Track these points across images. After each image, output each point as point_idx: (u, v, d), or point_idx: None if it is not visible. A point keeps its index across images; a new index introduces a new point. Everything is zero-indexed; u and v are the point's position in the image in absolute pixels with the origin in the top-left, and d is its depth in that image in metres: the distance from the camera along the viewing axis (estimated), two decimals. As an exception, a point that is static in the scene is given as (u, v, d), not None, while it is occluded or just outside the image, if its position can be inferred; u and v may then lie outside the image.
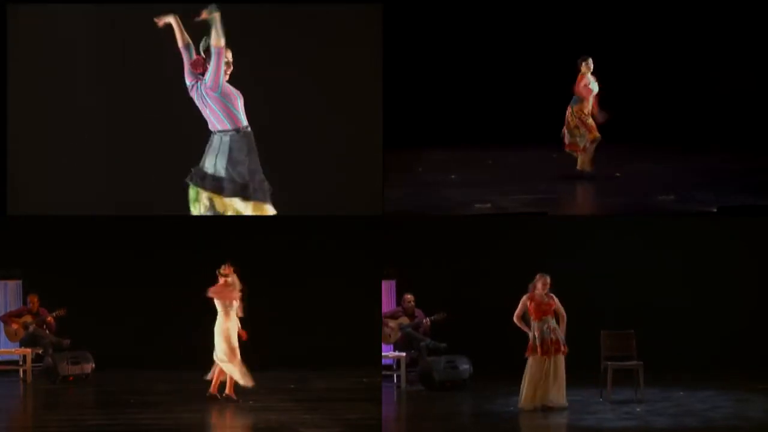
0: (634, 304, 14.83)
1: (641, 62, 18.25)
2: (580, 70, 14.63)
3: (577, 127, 14.64)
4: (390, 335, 14.36)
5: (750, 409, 12.05)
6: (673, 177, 14.94)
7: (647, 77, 18.32)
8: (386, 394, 13.51)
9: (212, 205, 10.99)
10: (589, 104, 14.61)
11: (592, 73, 14.63)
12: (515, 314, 12.15)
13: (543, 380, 11.98)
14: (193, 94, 11.00)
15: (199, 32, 10.93)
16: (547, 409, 11.93)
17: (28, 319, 15.02)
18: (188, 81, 11.02)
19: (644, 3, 18.36)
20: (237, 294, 12.43)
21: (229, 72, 10.92)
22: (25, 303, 15.31)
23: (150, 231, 15.25)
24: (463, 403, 13.01)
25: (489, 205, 13.40)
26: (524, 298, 12.16)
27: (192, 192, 11.03)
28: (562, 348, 12.03)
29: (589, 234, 15.14)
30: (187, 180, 11.04)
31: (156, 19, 10.96)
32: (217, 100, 10.91)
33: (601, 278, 15.01)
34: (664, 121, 18.09)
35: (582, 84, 14.58)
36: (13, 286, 15.70)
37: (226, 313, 12.42)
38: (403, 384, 13.98)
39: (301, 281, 15.80)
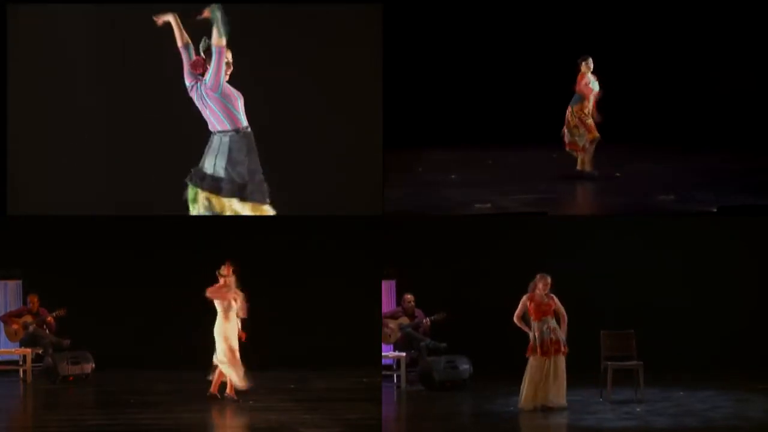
0: (634, 304, 14.83)
1: (641, 62, 18.26)
2: (580, 70, 14.64)
3: (576, 126, 14.65)
4: (390, 335, 14.36)
5: (750, 409, 12.05)
6: (673, 177, 14.95)
7: (647, 77, 18.33)
8: (386, 394, 13.51)
9: (210, 205, 10.99)
10: (590, 103, 14.62)
11: (592, 73, 14.64)
12: (515, 314, 12.15)
13: (543, 380, 11.98)
14: (193, 95, 11.00)
15: (198, 32, 10.93)
16: (547, 410, 11.93)
17: (28, 319, 15.02)
18: (188, 81, 11.02)
19: (644, 3, 18.36)
20: (233, 295, 12.42)
21: (229, 72, 10.92)
22: (25, 303, 15.31)
23: (150, 231, 15.25)
24: (463, 403, 13.01)
25: (489, 205, 13.40)
26: (524, 298, 12.16)
27: (191, 192, 11.03)
28: (563, 348, 12.02)
29: (589, 234, 15.13)
30: (187, 180, 11.04)
31: (155, 17, 10.97)
32: (217, 101, 10.90)
33: (601, 278, 15.00)
34: (664, 121, 18.10)
35: (583, 83, 14.58)
36: (13, 286, 15.70)
37: (226, 315, 12.42)
38: (403, 384, 13.98)
39: (301, 281, 15.80)
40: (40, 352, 14.79)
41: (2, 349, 15.13)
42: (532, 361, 12.04)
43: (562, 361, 12.03)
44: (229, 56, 10.84)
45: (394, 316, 14.45)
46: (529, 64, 18.25)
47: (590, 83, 14.59)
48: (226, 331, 12.40)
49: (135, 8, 12.50)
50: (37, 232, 15.12)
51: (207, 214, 11.00)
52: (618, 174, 14.99)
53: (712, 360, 14.81)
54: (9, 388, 14.42)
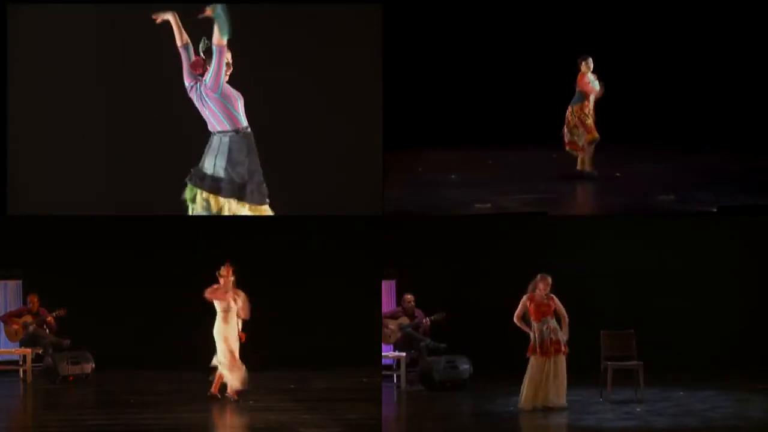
0: (634, 304, 14.82)
1: (641, 62, 18.25)
2: (580, 70, 14.64)
3: (576, 126, 14.65)
4: (390, 335, 14.36)
5: (750, 409, 12.05)
6: (673, 177, 14.94)
7: (647, 77, 18.32)
8: (386, 394, 13.51)
9: (209, 206, 10.99)
10: (590, 103, 14.61)
11: (592, 73, 14.64)
12: (515, 314, 12.15)
13: (543, 381, 11.98)
14: (192, 95, 11.00)
15: (198, 32, 10.93)
16: (547, 410, 11.92)
17: (28, 319, 15.02)
18: (187, 82, 11.01)
19: (644, 3, 18.36)
20: (232, 295, 12.41)
21: (228, 73, 10.91)
22: (25, 303, 15.31)
23: (150, 231, 15.25)
24: (463, 403, 13.01)
25: (489, 205, 13.40)
26: (524, 298, 12.15)
27: (190, 192, 11.02)
28: (563, 348, 12.01)
29: (589, 234, 15.13)
30: (187, 180, 11.04)
31: (154, 15, 10.96)
32: (217, 101, 10.90)
33: (601, 278, 15.00)
34: (664, 121, 18.10)
35: (584, 81, 14.57)
36: (13, 286, 15.69)
37: (225, 316, 12.42)
38: (403, 384, 13.98)
39: (301, 281, 15.80)
40: (40, 352, 14.78)
41: (2, 349, 15.13)
42: (533, 361, 12.04)
43: (562, 361, 12.02)
44: (228, 57, 10.84)
45: (394, 316, 14.45)
46: (529, 64, 18.25)
47: (591, 83, 14.59)
48: (226, 332, 12.40)
49: (135, 8, 12.50)
50: (37, 232, 15.12)
51: (205, 214, 11.00)
52: (618, 174, 14.99)
53: (712, 360, 14.81)
54: (9, 388, 14.42)
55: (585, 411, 12.00)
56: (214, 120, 10.97)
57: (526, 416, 11.83)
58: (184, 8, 10.93)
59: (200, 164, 11.01)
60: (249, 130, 11.02)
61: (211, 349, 12.51)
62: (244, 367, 12.46)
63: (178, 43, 10.97)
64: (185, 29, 10.97)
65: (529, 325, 12.11)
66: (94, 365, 14.48)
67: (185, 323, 13.88)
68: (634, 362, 12.70)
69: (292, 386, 13.83)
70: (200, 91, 10.91)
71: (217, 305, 12.43)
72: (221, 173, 10.92)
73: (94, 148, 13.25)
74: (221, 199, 10.94)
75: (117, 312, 15.59)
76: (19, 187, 13.25)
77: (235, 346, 12.43)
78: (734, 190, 13.92)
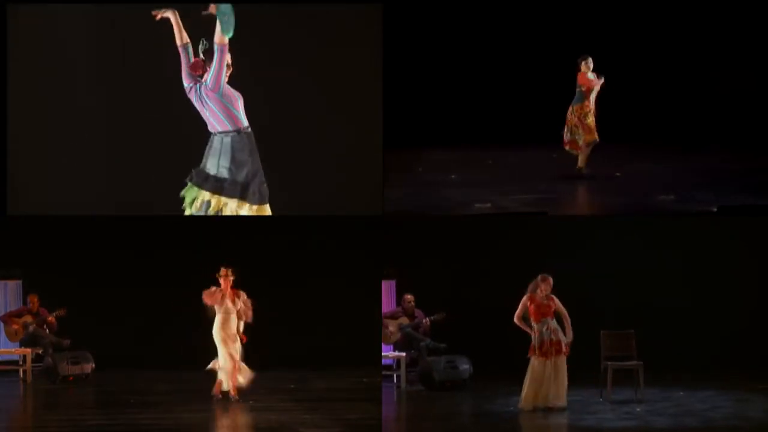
0: (634, 304, 14.82)
1: (641, 62, 18.25)
2: (579, 70, 14.64)
3: (576, 126, 14.65)
4: (390, 336, 14.36)
5: (750, 409, 12.05)
6: (673, 177, 14.94)
7: (647, 77, 18.32)
8: (386, 394, 13.51)
9: (210, 206, 10.98)
10: (591, 103, 14.61)
11: (592, 72, 14.63)
12: (516, 315, 12.14)
13: (544, 381, 11.97)
14: (192, 96, 10.99)
15: (198, 32, 10.93)
16: (547, 410, 11.92)
17: (28, 319, 15.02)
18: (186, 83, 11.00)
19: (644, 3, 18.36)
20: (231, 298, 12.41)
21: (228, 74, 10.91)
22: (25, 303, 15.31)
23: (150, 231, 15.25)
24: (463, 403, 13.01)
25: (489, 205, 13.40)
26: (524, 298, 12.15)
27: (191, 192, 11.01)
28: (563, 349, 12.01)
29: (589, 234, 15.13)
30: (187, 180, 11.03)
31: (154, 12, 10.95)
32: (218, 101, 10.89)
33: (601, 278, 15.00)
34: (664, 121, 18.10)
35: (585, 78, 14.55)
36: (13, 286, 15.70)
37: (224, 318, 12.41)
38: (403, 384, 13.98)
39: (301, 281, 15.80)
40: (40, 352, 14.78)
41: (2, 349, 15.13)
42: (533, 362, 12.04)
43: (562, 361, 12.01)
44: (228, 58, 10.83)
45: (394, 316, 14.45)
46: (529, 64, 18.25)
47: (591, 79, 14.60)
48: (225, 335, 12.39)
49: (135, 8, 12.49)
50: (37, 232, 15.12)
51: (202, 213, 11.00)
52: (618, 174, 15.00)
53: (712, 360, 14.81)
54: (9, 388, 14.41)
55: (585, 411, 11.99)
56: (215, 120, 10.97)
57: (526, 416, 11.83)
58: (184, 8, 10.93)
59: (202, 165, 11.01)
60: (249, 130, 11.03)
61: (211, 349, 12.51)
62: (246, 368, 12.46)
63: (178, 42, 10.97)
64: (185, 29, 10.97)
65: (529, 325, 12.10)
66: (94, 365, 14.48)
67: (185, 323, 13.87)
68: (634, 362, 12.70)
69: (292, 386, 13.83)
70: (200, 92, 10.91)
71: (216, 307, 12.43)
72: (225, 173, 10.92)
73: (94, 148, 13.25)
74: (223, 199, 10.94)
75: (117, 312, 15.59)
76: (19, 187, 13.25)
77: (236, 348, 12.42)
78: (734, 190, 13.92)
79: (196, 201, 11.00)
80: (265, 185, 11.06)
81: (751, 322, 15.16)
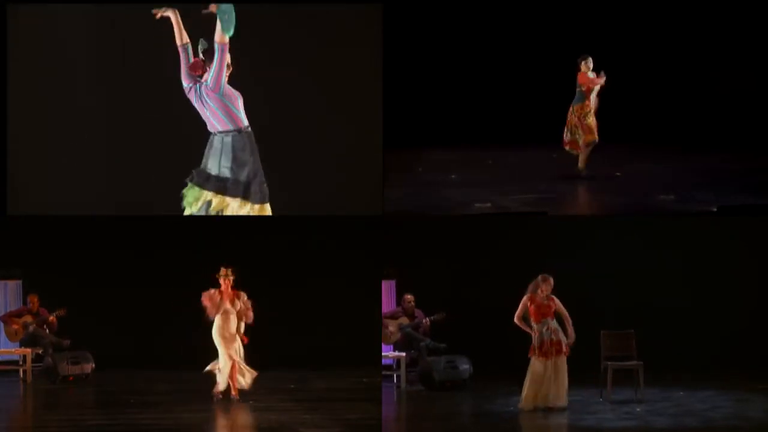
0: (634, 304, 14.82)
1: (641, 62, 18.25)
2: (579, 69, 14.64)
3: (576, 126, 14.65)
4: (390, 336, 14.35)
5: (750, 409, 12.04)
6: (673, 177, 14.95)
7: (647, 77, 18.33)
8: (386, 394, 13.51)
9: (210, 206, 10.98)
10: (591, 102, 14.61)
11: (592, 72, 14.63)
12: (516, 315, 12.13)
13: (544, 381, 11.97)
14: (192, 96, 10.98)
15: (198, 32, 10.93)
16: (547, 410, 11.92)
17: (28, 319, 15.02)
18: (185, 83, 11.00)
19: (644, 3, 18.36)
20: (230, 299, 12.41)
21: (228, 74, 10.90)
22: (25, 303, 15.31)
23: (150, 231, 15.25)
24: (463, 403, 13.01)
25: (489, 205, 13.41)
26: (525, 299, 12.14)
27: (193, 192, 11.00)
28: (564, 349, 12.00)
29: (589, 234, 15.13)
30: (188, 180, 11.03)
31: (155, 11, 10.95)
32: (218, 101, 10.89)
33: (601, 278, 15.00)
34: (664, 121, 18.10)
35: (585, 77, 14.55)
36: (13, 286, 15.70)
37: (223, 319, 12.40)
38: (403, 384, 13.97)
39: (301, 281, 15.80)
40: (40, 352, 14.78)
41: (2, 349, 15.12)
42: (534, 362, 12.03)
43: (563, 361, 12.01)
44: (228, 57, 10.82)
45: (394, 316, 14.45)
46: (529, 64, 18.26)
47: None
48: (224, 336, 12.38)
49: (135, 8, 12.49)
50: (37, 232, 15.12)
51: (207, 214, 11.00)
52: (618, 174, 14.99)
53: (712, 360, 14.81)
54: (9, 388, 14.41)
55: (585, 411, 11.99)
56: (215, 120, 10.96)
57: (526, 416, 11.82)
58: (184, 8, 10.93)
59: (202, 165, 11.01)
60: (250, 129, 11.03)
61: (211, 349, 12.51)
62: (249, 370, 12.46)
63: (178, 42, 10.97)
64: (185, 29, 10.97)
65: (529, 325, 12.10)
66: (94, 365, 14.48)
67: (185, 323, 13.84)
68: (634, 362, 12.70)
69: (292, 386, 13.83)
70: (200, 92, 10.90)
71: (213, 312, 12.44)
72: (227, 173, 10.92)
73: (94, 148, 13.25)
74: (226, 199, 10.94)
75: (117, 312, 15.59)
76: (19, 187, 13.25)
77: (236, 349, 12.42)
78: (734, 190, 13.93)
79: (198, 201, 11.00)
80: (265, 185, 11.06)
81: (751, 322, 15.15)
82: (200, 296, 12.43)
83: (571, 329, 12.03)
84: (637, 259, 15.24)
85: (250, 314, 12.47)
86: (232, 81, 10.94)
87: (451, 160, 16.69)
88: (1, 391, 14.18)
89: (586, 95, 14.63)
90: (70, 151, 13.23)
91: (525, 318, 12.14)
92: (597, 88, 14.60)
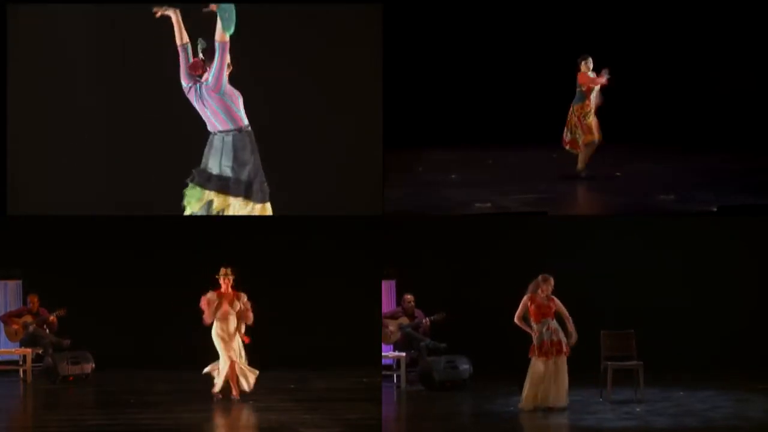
0: (634, 304, 14.81)
1: (641, 62, 18.25)
2: (579, 69, 14.64)
3: (576, 125, 14.66)
4: (390, 336, 14.35)
5: (750, 409, 12.04)
6: (673, 177, 14.95)
7: (647, 77, 18.32)
8: (386, 394, 13.51)
9: (211, 206, 10.97)
10: (591, 102, 14.61)
11: (592, 71, 14.63)
12: (516, 315, 12.13)
13: (544, 381, 11.97)
14: (191, 96, 10.98)
15: (198, 33, 10.93)
16: (547, 410, 11.92)
17: (28, 319, 15.02)
18: (185, 83, 11.00)
19: (644, 3, 18.36)
20: (230, 301, 12.41)
21: (228, 73, 10.90)
22: (25, 303, 15.31)
23: (150, 231, 15.25)
24: (463, 403, 13.01)
25: (489, 205, 13.41)
26: (525, 299, 12.14)
27: (194, 192, 11.00)
28: (564, 349, 12.00)
29: (589, 234, 15.13)
30: (188, 180, 11.03)
31: (155, 9, 10.94)
32: (219, 100, 10.89)
33: (601, 278, 14.99)
34: (664, 121, 18.10)
35: (586, 77, 14.54)
36: (13, 286, 15.70)
37: (222, 320, 12.40)
38: (403, 384, 13.97)
39: (301, 281, 15.80)
40: (40, 352, 14.78)
41: (2, 349, 15.12)
42: (534, 362, 12.03)
43: (563, 361, 12.01)
44: (228, 56, 10.82)
45: (394, 316, 14.45)
46: (529, 64, 18.26)
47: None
48: (223, 337, 12.38)
49: (135, 8, 12.49)
50: (37, 232, 15.12)
51: (208, 214, 10.99)
52: (618, 174, 14.99)
53: (712, 360, 14.81)
54: (9, 388, 14.41)
55: (585, 411, 11.99)
56: (216, 119, 10.96)
57: (526, 416, 11.82)
58: (185, 7, 10.93)
59: (203, 165, 11.00)
60: (250, 128, 11.03)
61: (211, 350, 12.51)
62: (250, 370, 12.46)
63: (178, 41, 10.97)
64: (185, 29, 10.96)
65: (529, 325, 12.10)
66: (94, 365, 14.48)
67: (185, 323, 13.83)
68: (634, 362, 12.70)
69: (292, 386, 13.83)
70: (200, 92, 10.90)
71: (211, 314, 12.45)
72: (228, 172, 10.91)
73: (94, 148, 13.25)
74: (228, 199, 10.93)
75: (117, 312, 15.59)
76: (19, 187, 13.25)
77: (235, 350, 12.41)
78: (734, 190, 13.93)
79: (200, 201, 10.99)
80: (266, 184, 11.07)
81: (751, 322, 15.15)
82: (200, 296, 12.42)
83: (572, 328, 12.02)
84: (637, 259, 15.24)
85: (250, 315, 12.48)
86: (232, 80, 10.95)
87: (451, 160, 16.69)
88: (1, 391, 14.18)
89: (586, 95, 14.63)
90: (70, 151, 13.23)
91: (525, 318, 12.14)
92: (597, 87, 14.59)
